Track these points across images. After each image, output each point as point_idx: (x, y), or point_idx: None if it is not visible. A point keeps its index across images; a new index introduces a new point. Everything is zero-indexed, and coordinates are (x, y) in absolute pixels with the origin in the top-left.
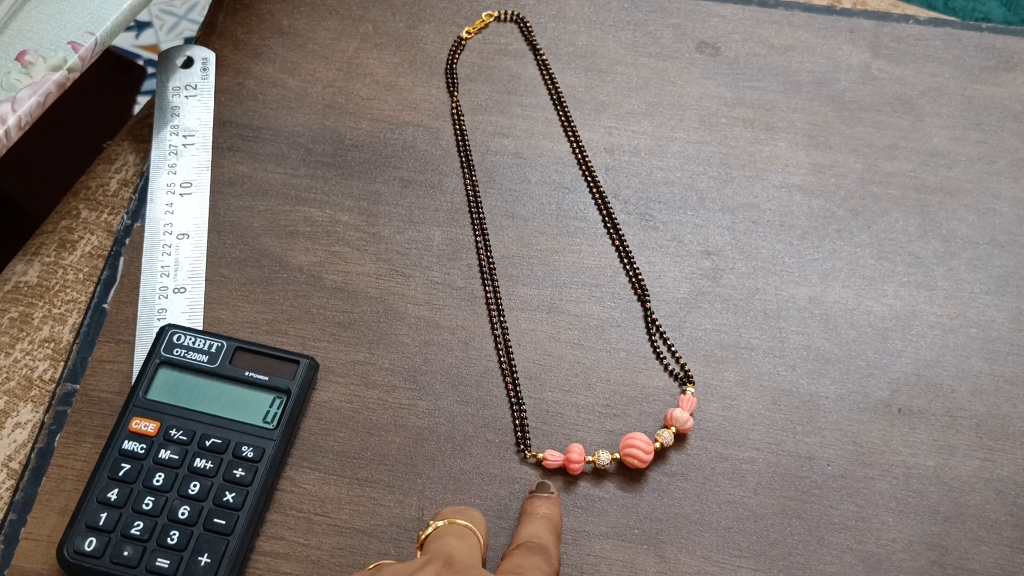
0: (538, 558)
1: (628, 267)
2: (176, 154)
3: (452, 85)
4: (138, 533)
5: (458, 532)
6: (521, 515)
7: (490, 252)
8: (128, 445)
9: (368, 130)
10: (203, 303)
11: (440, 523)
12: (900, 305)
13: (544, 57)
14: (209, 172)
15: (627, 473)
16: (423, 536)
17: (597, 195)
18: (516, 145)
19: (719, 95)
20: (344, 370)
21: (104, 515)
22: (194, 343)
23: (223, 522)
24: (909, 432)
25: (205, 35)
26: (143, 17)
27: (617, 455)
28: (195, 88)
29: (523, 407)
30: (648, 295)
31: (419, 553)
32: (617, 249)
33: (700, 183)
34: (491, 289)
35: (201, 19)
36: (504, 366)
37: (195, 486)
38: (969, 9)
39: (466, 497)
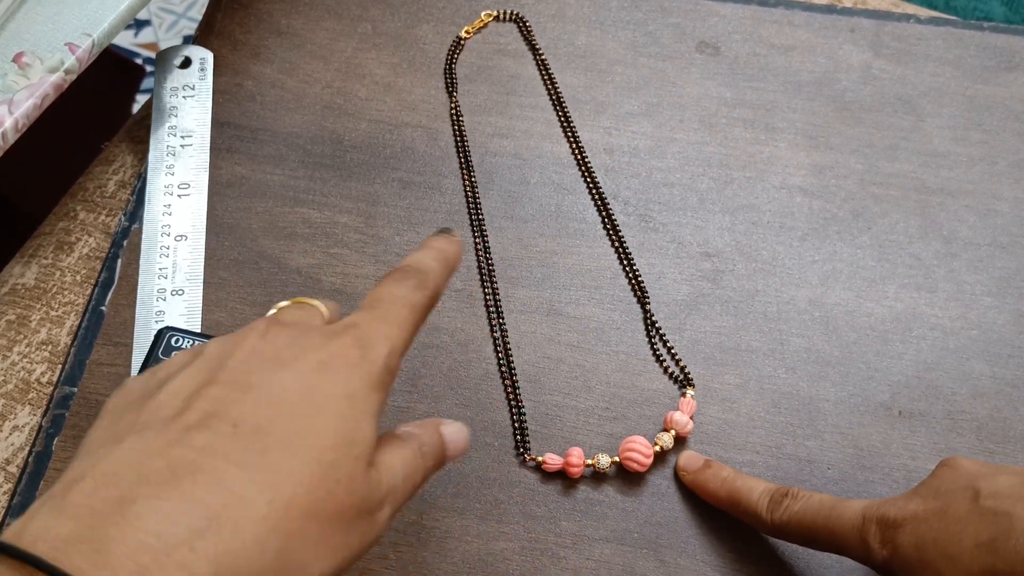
0: (405, 285)
1: (628, 269)
2: (174, 155)
3: (451, 85)
4: None
5: (291, 309)
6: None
7: (489, 254)
8: None
9: (367, 131)
10: (201, 305)
11: (283, 303)
12: (901, 307)
13: (543, 57)
14: (207, 173)
15: (627, 477)
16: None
17: (597, 196)
18: (515, 146)
19: (719, 95)
20: None
21: None
22: (192, 346)
23: None
24: (910, 435)
25: (203, 35)
26: (142, 15)
27: (617, 458)
28: (193, 89)
29: (522, 410)
30: (648, 297)
31: None
32: (617, 251)
33: (700, 184)
34: (490, 291)
35: (200, 17)
36: (503, 369)
37: None
38: (970, 8)
39: (464, 500)
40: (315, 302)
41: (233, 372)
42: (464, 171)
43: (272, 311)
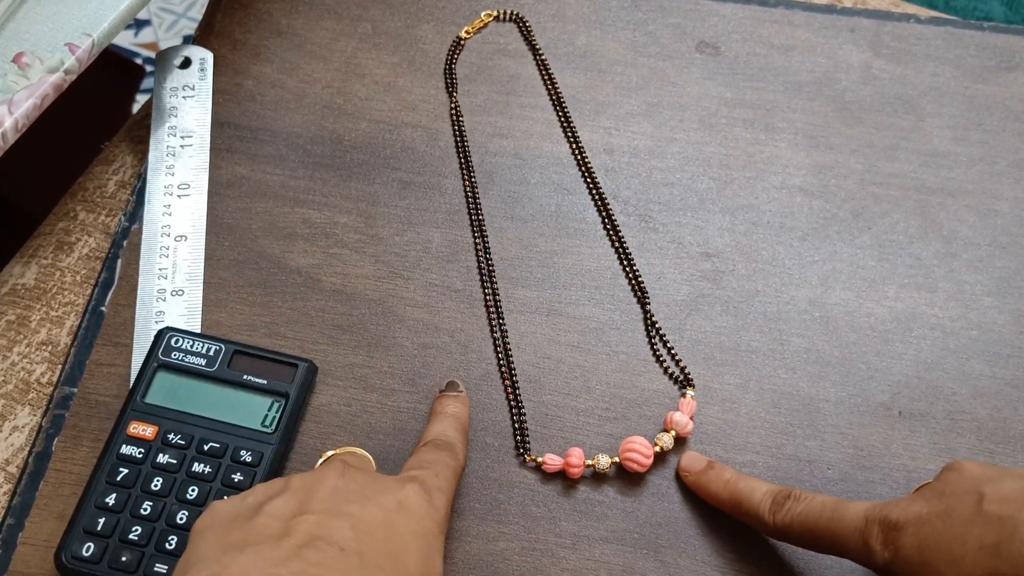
0: (444, 454)
1: (628, 269)
2: (174, 155)
3: (451, 85)
4: (136, 538)
5: (348, 456)
6: (430, 415)
7: (489, 254)
8: (126, 449)
9: (367, 131)
10: (201, 306)
11: (332, 452)
12: (901, 307)
13: (543, 57)
14: (207, 174)
15: (627, 477)
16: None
17: (597, 196)
18: (515, 146)
19: (719, 95)
20: (343, 373)
21: (102, 520)
22: (192, 346)
23: None
24: (910, 435)
25: (203, 35)
26: (142, 15)
27: (617, 459)
28: (193, 89)
29: (522, 410)
30: (648, 297)
31: None
32: (617, 251)
33: (700, 184)
34: (490, 291)
35: (200, 17)
36: (503, 369)
37: (193, 490)
38: (970, 8)
39: (465, 500)
40: (364, 452)
41: (324, 503)
42: (464, 171)
43: (329, 453)
